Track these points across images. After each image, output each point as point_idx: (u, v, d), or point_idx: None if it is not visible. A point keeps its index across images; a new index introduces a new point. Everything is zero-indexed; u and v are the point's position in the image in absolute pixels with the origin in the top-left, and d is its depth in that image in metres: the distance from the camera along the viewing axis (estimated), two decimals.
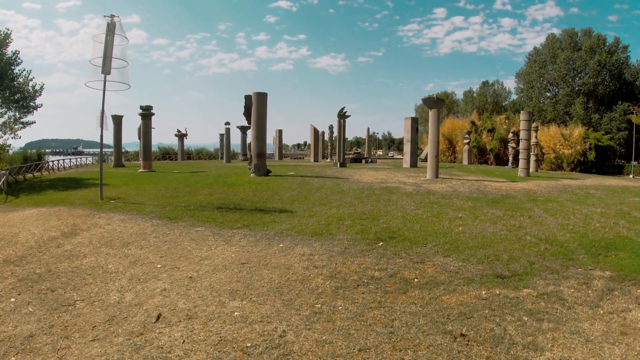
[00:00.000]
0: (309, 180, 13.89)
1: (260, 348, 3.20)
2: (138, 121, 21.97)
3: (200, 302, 4.13)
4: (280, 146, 37.69)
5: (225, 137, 32.20)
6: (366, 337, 3.37)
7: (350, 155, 30.05)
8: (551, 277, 4.71)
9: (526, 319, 3.67)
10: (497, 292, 4.30)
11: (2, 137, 21.15)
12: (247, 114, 16.45)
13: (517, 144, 22.66)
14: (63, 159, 27.44)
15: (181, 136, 37.53)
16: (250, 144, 16.60)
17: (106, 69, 10.34)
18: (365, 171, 18.08)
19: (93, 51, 10.43)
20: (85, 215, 8.74)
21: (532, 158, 20.37)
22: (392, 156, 62.24)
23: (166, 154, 40.04)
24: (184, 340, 3.34)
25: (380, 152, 74.09)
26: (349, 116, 22.35)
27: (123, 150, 31.00)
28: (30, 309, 4.09)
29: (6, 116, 21.65)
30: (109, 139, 25.66)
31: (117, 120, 25.12)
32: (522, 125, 18.62)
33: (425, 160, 26.24)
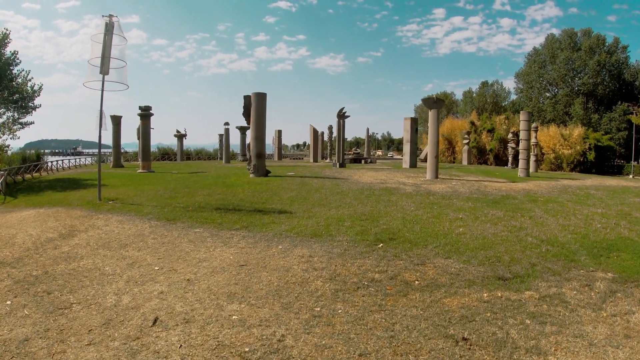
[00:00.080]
0: (308, 180, 13.84)
1: (259, 353, 3.14)
2: (137, 121, 21.91)
3: (197, 305, 4.07)
4: (280, 146, 37.63)
5: (225, 137, 32.13)
6: (366, 341, 3.32)
7: (350, 156, 30.00)
8: (553, 279, 4.66)
9: (529, 322, 3.62)
10: (499, 294, 4.25)
11: (0, 137, 21.10)
12: (247, 114, 16.39)
13: (517, 144, 22.64)
14: (62, 160, 27.37)
15: (180, 137, 37.47)
16: (249, 144, 16.55)
17: (104, 69, 10.28)
18: (364, 171, 18.04)
19: (91, 51, 10.37)
20: (83, 216, 8.68)
21: (532, 158, 20.33)
22: (392, 156, 62.21)
23: (165, 155, 39.97)
24: (180, 345, 3.29)
25: (379, 153, 74.05)
26: (348, 116, 22.31)
27: (122, 151, 30.91)
28: (26, 312, 4.04)
29: (5, 117, 21.63)
30: (108, 140, 25.56)
31: (116, 120, 25.06)
32: (522, 125, 18.60)
33: (424, 160, 26.20)
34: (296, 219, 7.86)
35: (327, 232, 6.79)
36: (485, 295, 4.23)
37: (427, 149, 16.85)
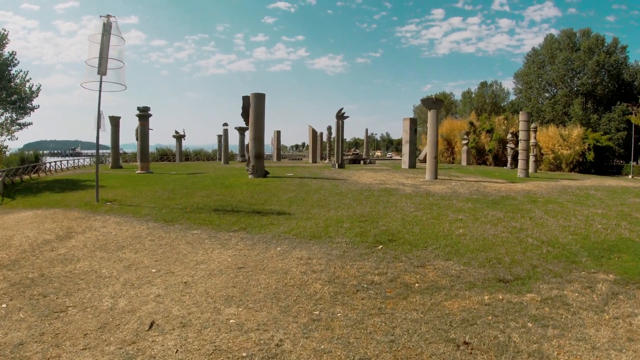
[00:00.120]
0: (307, 181, 13.79)
1: (256, 358, 3.09)
2: (136, 122, 21.87)
3: (194, 308, 4.02)
4: (279, 147, 37.61)
5: (224, 138, 32.11)
6: (366, 346, 3.26)
7: (349, 156, 29.99)
8: (554, 281, 4.61)
9: (531, 325, 3.58)
10: (500, 297, 4.20)
11: None
12: (245, 115, 16.36)
13: (516, 144, 22.62)
14: (61, 160, 27.27)
15: (179, 137, 37.44)
16: (248, 145, 16.51)
17: (102, 70, 10.22)
18: (363, 172, 17.99)
19: (89, 52, 10.31)
20: (81, 217, 8.62)
21: (531, 159, 20.31)
22: (391, 157, 62.23)
23: (164, 155, 39.90)
24: (177, 350, 3.23)
25: (378, 153, 74.10)
26: (347, 117, 22.29)
27: (121, 152, 30.86)
28: (22, 316, 3.98)
29: (3, 117, 21.55)
30: (106, 140, 25.50)
31: (115, 121, 25.00)
32: (521, 125, 18.58)
33: (423, 161, 26.17)
34: (295, 220, 7.80)
35: (326, 234, 6.73)
36: (486, 297, 4.18)
37: (426, 150, 16.82)
